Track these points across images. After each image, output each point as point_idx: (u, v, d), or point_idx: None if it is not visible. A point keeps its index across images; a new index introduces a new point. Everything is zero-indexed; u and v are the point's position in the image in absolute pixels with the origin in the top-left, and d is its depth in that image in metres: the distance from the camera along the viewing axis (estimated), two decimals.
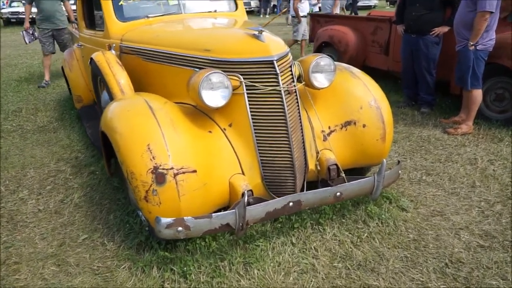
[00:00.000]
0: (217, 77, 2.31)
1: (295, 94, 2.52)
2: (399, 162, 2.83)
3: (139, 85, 3.17)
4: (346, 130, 2.73)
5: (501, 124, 4.28)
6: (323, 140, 2.71)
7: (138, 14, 3.55)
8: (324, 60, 2.62)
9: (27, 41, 6.79)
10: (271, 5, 21.37)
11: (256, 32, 2.44)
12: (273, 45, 2.44)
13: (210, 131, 2.47)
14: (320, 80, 2.64)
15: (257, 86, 2.39)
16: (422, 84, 4.82)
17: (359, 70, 2.97)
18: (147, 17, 3.50)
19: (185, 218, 2.07)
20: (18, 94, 6.42)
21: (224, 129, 2.50)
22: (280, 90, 2.38)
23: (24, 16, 6.99)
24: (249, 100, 2.41)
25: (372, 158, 2.80)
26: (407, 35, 4.78)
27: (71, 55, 4.90)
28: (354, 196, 2.63)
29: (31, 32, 6.76)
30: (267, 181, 2.50)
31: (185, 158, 2.19)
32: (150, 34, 3.16)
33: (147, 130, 2.21)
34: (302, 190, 2.63)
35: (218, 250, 2.41)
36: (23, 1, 17.53)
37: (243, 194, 2.36)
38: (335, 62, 2.97)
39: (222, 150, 2.44)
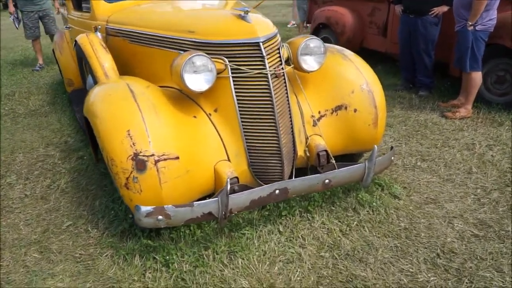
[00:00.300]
0: (200, 59, 2.21)
1: (283, 77, 2.42)
2: (392, 148, 2.75)
3: (126, 68, 3.08)
4: (337, 115, 2.64)
5: (501, 108, 4.16)
6: (313, 126, 2.62)
7: None
8: (313, 42, 2.51)
9: (17, 26, 6.57)
10: None
11: (242, 13, 2.33)
12: (260, 26, 2.33)
13: (194, 116, 2.38)
14: (309, 63, 2.53)
15: (242, 69, 2.29)
16: (420, 66, 4.69)
17: (351, 53, 2.86)
18: None
19: (165, 206, 2.00)
20: (12, 77, 6.33)
21: (210, 114, 2.42)
22: (266, 74, 2.28)
23: None
24: (234, 84, 2.32)
25: (364, 143, 2.71)
26: (405, 16, 4.63)
27: (61, 38, 4.78)
28: (344, 184, 2.55)
29: (16, 16, 6.52)
30: (254, 168, 2.42)
31: (167, 144, 2.12)
32: (135, 15, 3.05)
33: (128, 115, 2.12)
34: (290, 177, 2.56)
35: (202, 238, 2.36)
36: None
37: (228, 182, 2.29)
38: (326, 44, 2.88)
39: (207, 136, 2.36)
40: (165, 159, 2.09)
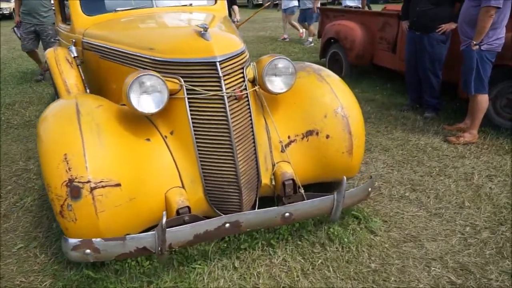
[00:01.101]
0: (150, 79, 2.06)
1: (246, 100, 2.24)
2: (371, 177, 2.51)
3: (99, 84, 2.98)
4: (308, 141, 2.43)
5: (511, 133, 3.82)
6: (281, 152, 2.42)
7: (107, 7, 3.34)
8: (281, 61, 2.32)
9: (19, 37, 6.46)
10: None
11: (202, 30, 2.16)
12: (219, 44, 2.16)
13: (148, 139, 2.22)
14: (276, 84, 2.34)
15: (197, 91, 2.12)
16: (426, 86, 4.40)
17: (330, 73, 2.64)
18: (115, 10, 3.28)
19: (93, 240, 1.84)
20: (18, 86, 6.40)
21: (165, 136, 2.26)
22: (222, 96, 2.10)
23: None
24: (190, 106, 2.16)
25: (337, 173, 2.48)
26: (411, 32, 4.37)
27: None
28: (308, 217, 2.34)
29: (18, 26, 6.38)
30: (211, 196, 2.24)
31: (106, 170, 1.96)
32: (108, 29, 2.94)
33: (67, 137, 1.99)
34: (253, 207, 2.37)
35: (149, 271, 2.18)
36: None
37: (177, 211, 2.12)
38: (304, 64, 2.70)
39: (160, 160, 2.20)
40: (103, 186, 1.93)
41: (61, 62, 2.73)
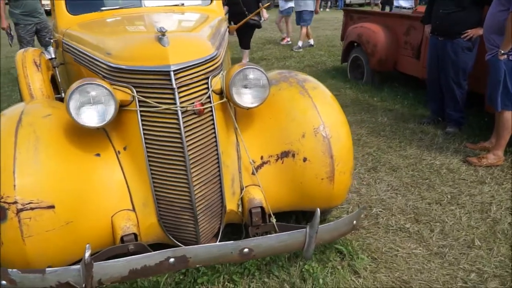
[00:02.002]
0: (93, 89, 1.81)
1: (210, 114, 1.96)
2: (359, 208, 2.17)
3: None
4: (283, 163, 2.11)
5: None
6: (252, 174, 2.11)
7: (93, 6, 3.13)
8: (252, 72, 2.01)
9: (11, 42, 5.95)
10: None
11: (160, 34, 1.89)
12: (178, 50, 1.88)
13: (98, 154, 1.98)
14: (245, 98, 2.03)
15: (149, 103, 1.86)
16: (448, 98, 3.94)
17: (316, 85, 2.30)
18: (100, 10, 3.08)
19: (9, 270, 1.61)
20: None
21: (118, 152, 2.01)
22: (176, 110, 1.83)
23: None
24: (142, 120, 1.89)
25: (316, 201, 2.15)
26: (433, 38, 3.93)
27: None
28: (274, 254, 2.03)
29: (9, 32, 5.91)
30: (165, 222, 1.98)
31: (38, 189, 1.73)
32: (84, 30, 2.73)
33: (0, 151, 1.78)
34: (217, 235, 2.09)
35: None
36: None
37: (122, 239, 1.87)
38: (288, 72, 2.38)
39: (109, 179, 1.96)
40: (32, 208, 1.70)
41: (27, 64, 2.55)
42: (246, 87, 2.03)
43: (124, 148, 2.00)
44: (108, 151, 2.01)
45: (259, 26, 6.62)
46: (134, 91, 1.88)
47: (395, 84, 5.69)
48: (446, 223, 2.57)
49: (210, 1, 3.37)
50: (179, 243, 2.01)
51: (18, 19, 5.91)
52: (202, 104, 1.92)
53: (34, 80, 2.48)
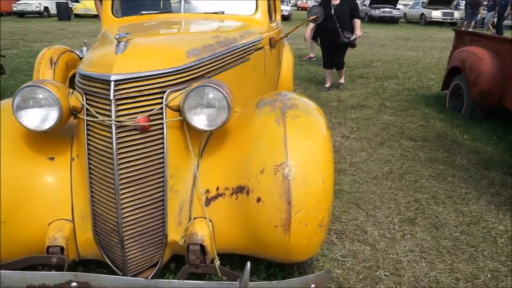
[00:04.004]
0: (32, 91, 1.75)
1: (160, 133, 1.77)
2: (327, 270, 1.77)
3: None
4: (237, 199, 1.81)
5: None
6: (204, 205, 1.86)
7: (138, 10, 3.19)
8: (209, 91, 1.76)
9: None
10: (478, 18, 17.98)
11: (122, 40, 1.78)
12: (129, 59, 1.74)
13: (52, 158, 1.94)
14: (198, 120, 1.78)
15: (91, 112, 1.75)
16: None
17: (301, 114, 1.92)
18: (140, 13, 3.12)
19: None
20: None
21: (73, 159, 1.95)
22: (111, 124, 1.69)
23: None
24: (88, 129, 1.80)
25: (271, 252, 1.81)
26: None
27: None
28: None
29: None
30: (99, 240, 1.86)
31: None
32: (110, 31, 2.77)
33: None
34: (154, 266, 1.89)
35: None
36: None
37: (47, 249, 1.80)
38: (288, 95, 2.08)
39: (55, 185, 1.90)
40: None
41: (42, 61, 2.68)
42: (204, 107, 1.78)
43: (77, 156, 1.93)
44: (64, 156, 1.96)
45: (352, 45, 6.03)
46: (84, 98, 1.79)
47: (497, 122, 4.74)
48: None
49: (254, 11, 3.16)
50: (113, 265, 1.87)
51: None
52: (149, 120, 1.74)
53: (45, 76, 2.60)
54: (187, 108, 1.76)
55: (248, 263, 1.59)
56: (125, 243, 1.76)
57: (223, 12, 3.12)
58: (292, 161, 1.74)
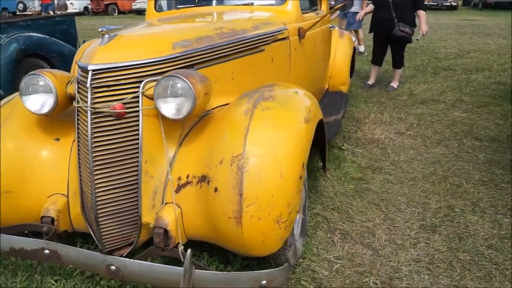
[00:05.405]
0: (33, 78, 1.99)
1: (136, 120, 1.88)
2: (287, 264, 1.73)
3: None
4: (201, 187, 1.84)
5: None
6: (175, 191, 1.93)
7: (176, 4, 3.36)
8: (175, 81, 1.80)
9: None
10: None
11: (107, 34, 1.93)
12: (110, 50, 1.88)
13: (57, 139, 2.18)
14: (166, 108, 1.84)
15: (78, 98, 1.93)
16: None
17: (275, 106, 1.87)
18: (177, 7, 3.27)
19: None
20: None
21: (74, 140, 2.16)
22: (87, 109, 1.84)
23: None
24: (78, 115, 1.99)
25: (229, 243, 1.81)
26: None
27: None
28: (145, 283, 1.82)
29: None
30: (86, 215, 2.04)
31: None
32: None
33: None
34: (132, 245, 2.02)
35: None
36: None
37: (41, 218, 2.03)
38: (268, 87, 2.06)
39: (57, 163, 2.13)
40: None
41: (79, 53, 2.96)
42: (173, 96, 1.84)
43: (78, 138, 2.13)
44: (68, 138, 2.17)
45: (409, 40, 5.27)
46: (76, 86, 1.98)
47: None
48: None
49: (284, 1, 3.10)
50: (96, 240, 2.04)
51: None
52: (124, 107, 1.86)
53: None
54: (156, 96, 1.84)
55: (189, 251, 1.63)
56: (99, 220, 1.91)
57: (252, 4, 3.12)
58: (249, 153, 1.72)
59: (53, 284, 2.05)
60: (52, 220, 2.01)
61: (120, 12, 25.03)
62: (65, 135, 2.18)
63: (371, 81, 5.86)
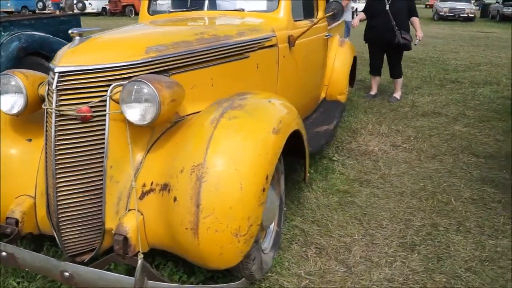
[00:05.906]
0: (6, 79, 1.99)
1: (102, 124, 1.86)
2: (244, 279, 1.68)
3: None
4: (162, 196, 1.81)
5: None
6: (139, 198, 1.89)
7: (168, 8, 3.35)
8: (140, 86, 1.77)
9: None
10: None
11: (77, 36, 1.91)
12: (79, 53, 1.86)
13: (29, 139, 2.17)
14: (131, 113, 1.81)
15: (47, 100, 1.92)
16: None
17: (243, 115, 1.83)
18: (169, 11, 3.26)
19: None
20: None
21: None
22: (51, 111, 1.82)
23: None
24: (46, 117, 1.97)
25: (188, 255, 1.76)
26: None
27: None
28: None
29: None
30: (50, 218, 2.01)
31: None
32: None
33: None
34: (94, 251, 1.99)
35: None
36: None
37: (6, 219, 2.02)
38: (242, 96, 2.04)
39: (27, 164, 2.11)
40: None
41: None
42: (134, 102, 1.81)
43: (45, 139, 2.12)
44: (39, 139, 2.14)
45: (408, 47, 5.16)
46: (46, 88, 1.96)
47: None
48: None
49: (276, 8, 3.06)
50: (60, 244, 2.02)
51: None
52: (91, 111, 1.84)
53: None
54: (121, 101, 1.81)
55: (140, 261, 1.59)
56: (60, 224, 1.88)
57: (243, 10, 3.09)
58: (209, 162, 1.67)
59: (15, 287, 2.03)
60: (17, 222, 1.99)
61: (136, 14, 25.27)
62: (37, 136, 2.16)
63: (373, 92, 5.75)
